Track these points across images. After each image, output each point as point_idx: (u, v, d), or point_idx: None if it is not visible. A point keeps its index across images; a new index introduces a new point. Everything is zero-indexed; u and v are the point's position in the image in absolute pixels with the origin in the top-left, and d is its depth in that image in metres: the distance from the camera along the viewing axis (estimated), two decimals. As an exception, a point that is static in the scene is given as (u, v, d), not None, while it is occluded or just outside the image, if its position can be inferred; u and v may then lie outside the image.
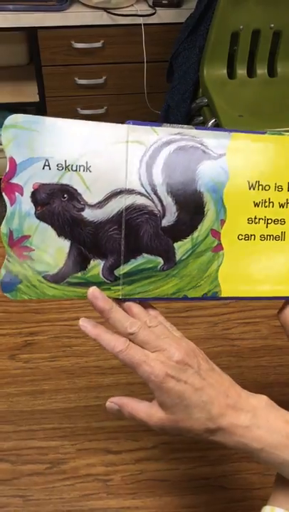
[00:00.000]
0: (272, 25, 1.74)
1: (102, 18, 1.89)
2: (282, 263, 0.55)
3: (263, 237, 0.55)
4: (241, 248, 0.54)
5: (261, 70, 1.83)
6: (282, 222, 0.55)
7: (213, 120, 1.72)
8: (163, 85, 2.01)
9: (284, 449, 0.46)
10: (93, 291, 0.49)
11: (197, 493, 0.65)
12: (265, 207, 0.54)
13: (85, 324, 0.49)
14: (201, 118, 1.87)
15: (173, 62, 1.88)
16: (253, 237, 0.54)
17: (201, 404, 0.46)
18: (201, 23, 1.75)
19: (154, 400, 0.48)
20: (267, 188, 0.54)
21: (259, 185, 0.54)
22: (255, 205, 0.54)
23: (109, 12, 1.87)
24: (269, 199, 0.54)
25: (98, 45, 1.95)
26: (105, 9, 1.87)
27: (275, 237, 0.55)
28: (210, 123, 1.73)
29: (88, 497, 0.64)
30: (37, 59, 1.96)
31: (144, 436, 0.70)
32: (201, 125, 1.85)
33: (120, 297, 0.52)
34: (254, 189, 0.54)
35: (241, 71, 1.82)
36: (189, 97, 1.85)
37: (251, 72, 1.84)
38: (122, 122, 0.51)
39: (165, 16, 1.91)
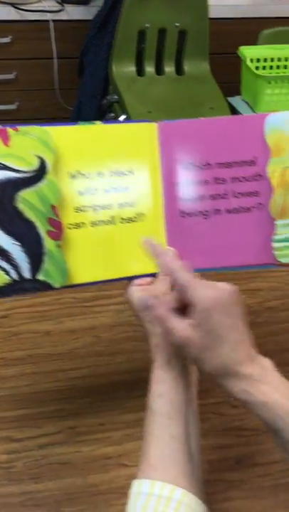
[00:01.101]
0: (178, 24, 1.79)
1: (9, 14, 1.87)
2: (117, 245, 0.59)
3: (93, 224, 0.58)
4: (76, 237, 0.57)
5: (169, 68, 1.88)
6: (109, 207, 0.58)
7: (124, 116, 1.75)
8: (75, 81, 2.01)
9: (284, 407, 0.49)
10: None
11: (99, 472, 0.67)
12: (92, 194, 0.57)
13: (151, 242, 0.58)
14: (113, 114, 1.90)
15: (83, 58, 1.90)
16: (82, 224, 0.57)
17: (232, 342, 0.50)
18: (109, 21, 1.77)
19: (189, 320, 0.51)
20: (88, 176, 0.57)
21: (80, 174, 0.57)
22: (80, 194, 0.57)
23: (16, 7, 1.85)
24: (94, 187, 0.58)
25: (6, 40, 1.92)
26: (13, 4, 1.85)
27: (106, 222, 0.58)
28: (120, 119, 1.76)
29: (-9, 486, 0.64)
30: None
31: (47, 423, 0.71)
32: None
33: None
34: (75, 178, 0.57)
35: (150, 68, 1.86)
36: (100, 94, 1.87)
37: (159, 70, 1.89)
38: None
39: (74, 12, 1.92)
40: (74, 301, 0.90)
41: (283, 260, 0.61)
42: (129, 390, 0.76)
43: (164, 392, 0.53)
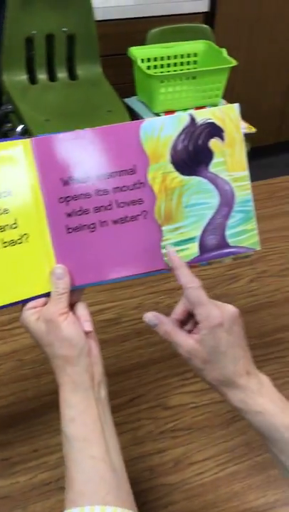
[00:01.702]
0: (65, 29, 1.78)
1: None
2: (4, 269, 0.57)
3: (5, 244, 0.57)
4: None
5: (62, 74, 1.86)
6: (15, 226, 0.57)
7: (22, 126, 1.71)
8: None
9: (278, 418, 0.53)
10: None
11: (40, 500, 0.65)
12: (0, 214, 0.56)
13: (174, 255, 0.59)
14: (10, 124, 1.85)
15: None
16: None
17: (232, 358, 0.54)
18: (-6, 30, 1.72)
19: (194, 335, 0.56)
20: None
21: None
22: None
23: None
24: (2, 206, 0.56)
25: None
26: None
27: (17, 242, 0.57)
28: (18, 129, 1.71)
29: None
30: None
31: (-22, 459, 0.68)
32: (11, 132, 1.83)
33: None
34: None
35: (42, 76, 1.84)
36: (-6, 105, 1.82)
37: (52, 76, 1.87)
38: None
39: None
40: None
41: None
42: (58, 409, 0.74)
43: (76, 416, 0.53)
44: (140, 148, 0.59)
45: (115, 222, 0.59)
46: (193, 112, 0.61)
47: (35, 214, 0.57)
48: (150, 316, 0.59)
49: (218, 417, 0.74)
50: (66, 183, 0.58)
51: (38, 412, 0.75)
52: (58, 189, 0.58)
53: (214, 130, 0.62)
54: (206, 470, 0.69)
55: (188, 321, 0.59)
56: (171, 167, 0.60)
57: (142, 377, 0.80)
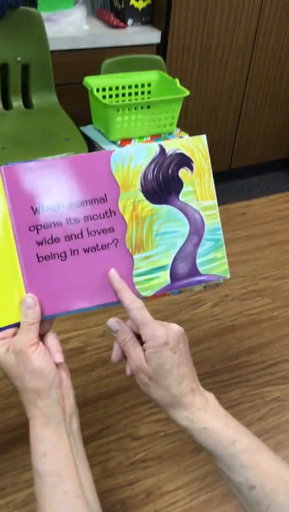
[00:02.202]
0: (19, 58, 1.78)
1: None
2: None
3: None
4: None
5: (17, 102, 1.86)
6: None
7: (-24, 153, 1.69)
8: None
9: (222, 433, 0.54)
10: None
11: None
12: None
13: (115, 277, 0.59)
14: None
15: None
16: None
17: (177, 376, 0.56)
18: None
19: (143, 352, 0.56)
20: None
21: None
22: None
23: None
24: None
25: None
26: None
27: None
28: (-27, 157, 1.69)
29: None
30: None
31: None
32: None
33: None
34: None
35: (-4, 104, 1.83)
36: None
37: (7, 105, 1.86)
38: None
39: None
40: None
41: (144, 294, 0.61)
42: (26, 444, 0.71)
43: (48, 450, 0.52)
44: (111, 177, 0.60)
45: (86, 250, 0.59)
46: (162, 142, 0.63)
47: (5, 242, 0.56)
48: (113, 322, 0.60)
49: (188, 444, 0.74)
50: (37, 211, 0.57)
51: (3, 448, 0.72)
52: (29, 217, 0.57)
53: (183, 160, 0.63)
54: (178, 499, 0.68)
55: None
56: (141, 196, 0.61)
57: (109, 407, 0.79)
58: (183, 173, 0.63)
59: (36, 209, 0.57)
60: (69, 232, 0.58)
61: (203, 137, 0.64)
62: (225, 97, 2.60)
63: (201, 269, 0.64)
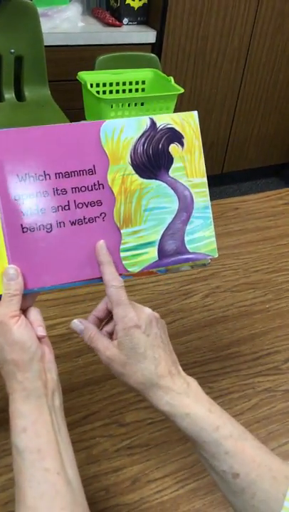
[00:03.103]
0: (13, 50, 1.76)
1: None
2: None
3: None
4: None
5: (9, 95, 1.84)
6: None
7: None
8: None
9: (206, 419, 0.52)
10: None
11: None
12: None
13: (103, 249, 0.57)
14: None
15: None
16: None
17: (152, 359, 0.54)
18: None
19: (114, 340, 0.55)
20: None
21: None
22: None
23: None
24: None
25: None
26: None
27: None
28: None
29: None
30: None
31: None
32: None
33: None
34: None
35: (-11, 96, 1.81)
36: None
37: (-1, 97, 1.84)
38: None
39: None
40: None
41: (131, 269, 0.59)
42: (5, 430, 0.69)
43: (28, 426, 0.49)
44: (100, 148, 0.58)
45: (73, 223, 0.57)
46: (153, 116, 0.61)
47: None
48: (76, 322, 0.59)
49: (176, 432, 0.71)
50: (22, 179, 0.55)
51: (-16, 432, 0.69)
52: (14, 186, 0.55)
53: (174, 135, 0.61)
54: (165, 487, 0.65)
55: (110, 321, 0.60)
56: (131, 169, 0.59)
57: (95, 394, 0.76)
58: (173, 148, 0.61)
59: (22, 177, 0.55)
60: (55, 203, 0.56)
61: (195, 113, 0.63)
62: (219, 100, 2.60)
63: (189, 247, 0.62)
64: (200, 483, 0.66)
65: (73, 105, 1.92)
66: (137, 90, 1.99)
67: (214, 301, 0.97)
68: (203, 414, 0.52)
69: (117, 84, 1.93)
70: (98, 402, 0.75)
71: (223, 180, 2.97)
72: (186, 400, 0.53)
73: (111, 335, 0.59)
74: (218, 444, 0.51)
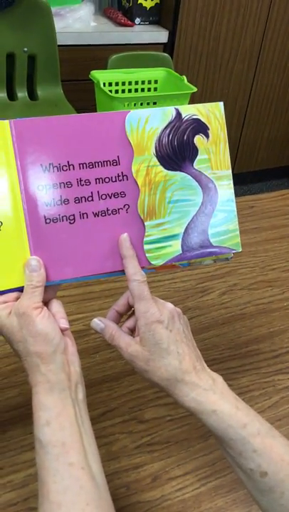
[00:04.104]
0: (26, 49, 1.76)
1: None
2: (3, 255, 0.53)
3: None
4: None
5: (22, 93, 1.84)
6: None
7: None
8: None
9: (233, 416, 0.50)
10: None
11: (6, 523, 0.59)
12: None
13: (126, 242, 0.56)
14: None
15: None
16: None
17: (176, 354, 0.53)
18: None
19: (136, 337, 0.54)
20: None
21: None
22: None
23: None
24: None
25: None
26: None
27: None
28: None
29: None
30: None
31: None
32: None
33: None
34: None
35: (2, 94, 1.81)
36: None
37: (12, 96, 1.84)
38: None
39: None
40: None
41: (155, 262, 0.58)
42: (25, 425, 0.69)
43: (51, 419, 0.48)
44: (125, 138, 0.57)
45: (96, 214, 0.56)
46: (179, 106, 0.60)
47: (11, 202, 0.53)
48: (96, 321, 0.58)
49: (196, 429, 0.71)
50: (46, 169, 0.54)
51: (2, 428, 0.68)
52: (38, 176, 0.54)
53: (199, 126, 0.60)
54: (186, 485, 0.64)
55: (130, 317, 0.59)
56: (155, 160, 0.58)
57: (114, 390, 0.75)
58: (198, 139, 0.60)
59: (46, 167, 0.54)
60: (79, 194, 0.55)
61: (221, 104, 0.62)
62: (230, 100, 2.59)
63: (212, 240, 0.61)
64: (222, 481, 0.65)
65: (85, 105, 1.92)
66: (149, 90, 1.98)
67: (231, 298, 0.96)
68: (230, 411, 0.51)
69: (130, 83, 1.92)
70: (117, 399, 0.74)
71: (233, 182, 2.95)
72: (213, 396, 0.52)
73: (132, 331, 0.58)
74: (245, 442, 0.50)
